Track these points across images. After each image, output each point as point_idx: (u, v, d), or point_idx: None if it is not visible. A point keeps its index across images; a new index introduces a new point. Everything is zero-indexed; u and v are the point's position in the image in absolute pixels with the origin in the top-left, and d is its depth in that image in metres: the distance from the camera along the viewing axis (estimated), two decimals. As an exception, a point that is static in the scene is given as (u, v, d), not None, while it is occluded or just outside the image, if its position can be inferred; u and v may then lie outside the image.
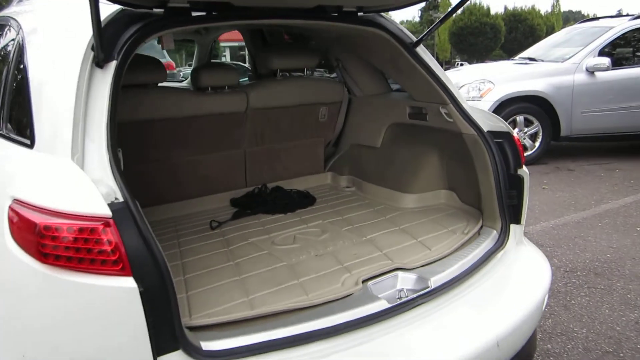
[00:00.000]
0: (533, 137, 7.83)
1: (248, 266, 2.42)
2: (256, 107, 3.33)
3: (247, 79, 5.81)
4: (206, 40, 5.52)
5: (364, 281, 2.18)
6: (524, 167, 2.68)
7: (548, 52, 8.74)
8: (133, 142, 2.97)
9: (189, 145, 3.19)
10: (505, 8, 52.38)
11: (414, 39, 2.80)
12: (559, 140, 7.94)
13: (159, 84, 3.07)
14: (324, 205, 3.30)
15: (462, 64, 32.89)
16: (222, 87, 3.24)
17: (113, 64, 1.89)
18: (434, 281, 2.18)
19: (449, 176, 3.16)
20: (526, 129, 7.76)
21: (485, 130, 2.66)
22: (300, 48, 3.54)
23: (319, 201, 3.38)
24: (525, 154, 7.67)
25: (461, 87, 8.06)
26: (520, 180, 2.60)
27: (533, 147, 7.83)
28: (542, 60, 8.42)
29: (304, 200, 3.30)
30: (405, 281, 2.25)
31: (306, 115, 3.60)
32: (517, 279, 2.45)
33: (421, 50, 2.78)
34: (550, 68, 7.96)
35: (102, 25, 1.99)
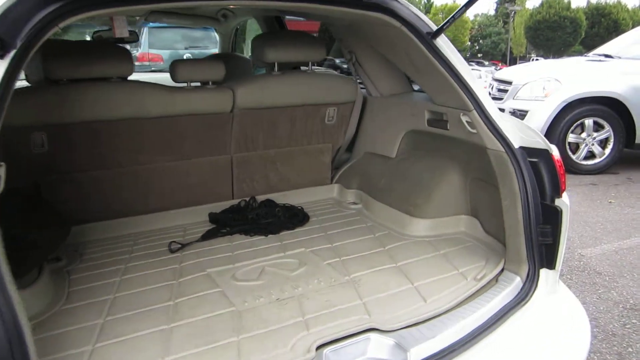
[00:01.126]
0: (603, 143, 6.92)
1: (187, 309, 1.93)
2: (245, 106, 2.83)
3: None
4: (227, 29, 5.07)
5: (321, 346, 1.64)
6: (564, 197, 2.06)
7: (627, 48, 7.69)
8: (92, 144, 2.56)
9: (162, 149, 2.73)
10: (588, 2, 49.17)
11: (434, 28, 2.20)
12: (634, 148, 6.98)
13: (128, 78, 2.62)
14: (316, 227, 2.76)
15: (537, 59, 31.06)
16: (205, 82, 2.77)
17: (11, 54, 1.44)
18: (416, 352, 1.62)
19: (472, 199, 2.56)
20: (595, 134, 6.85)
21: (517, 146, 2.06)
22: (303, 38, 3.01)
23: (313, 221, 2.84)
24: (593, 162, 6.86)
25: (524, 85, 7.25)
26: (557, 213, 2.02)
27: (602, 155, 6.91)
28: (620, 57, 7.42)
29: (292, 219, 2.77)
30: (378, 348, 1.69)
31: (310, 117, 3.06)
32: (542, 347, 1.84)
33: (442, 42, 2.18)
34: (629, 66, 6.98)
35: (10, 3, 1.56)
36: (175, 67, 2.65)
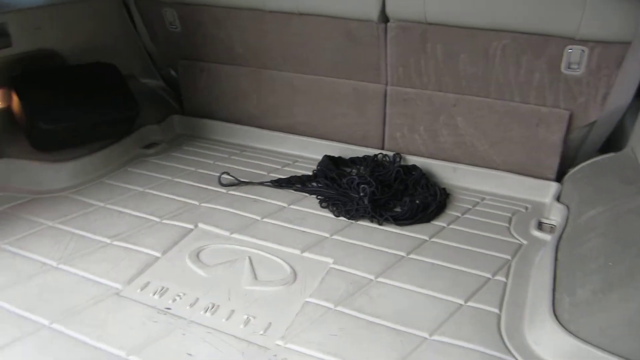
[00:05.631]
0: None
1: (84, 261, 1.49)
2: (401, 17, 1.79)
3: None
4: None
5: None
6: None
7: None
8: (218, 32, 2.19)
9: (290, 55, 2.08)
10: None
11: None
12: None
13: None
14: (412, 237, 1.61)
15: None
16: None
17: None
18: None
19: None
20: None
21: None
22: None
23: (429, 228, 1.68)
24: None
25: None
26: None
27: None
28: None
29: (409, 210, 1.70)
30: None
31: (525, 54, 1.71)
32: None
33: None
34: None
35: None
36: None
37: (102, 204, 1.81)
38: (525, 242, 1.62)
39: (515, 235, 1.66)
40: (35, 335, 1.24)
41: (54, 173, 1.93)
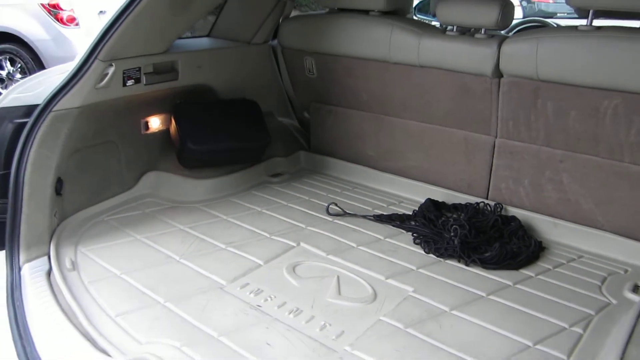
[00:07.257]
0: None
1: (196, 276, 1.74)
2: (515, 73, 1.88)
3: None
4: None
5: None
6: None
7: None
8: (347, 80, 2.44)
9: (408, 104, 2.24)
10: None
11: None
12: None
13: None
14: (494, 281, 1.65)
15: None
16: (477, 29, 2.00)
17: None
18: None
19: None
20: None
21: None
22: None
23: (516, 276, 1.69)
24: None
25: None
26: None
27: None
28: None
29: (500, 253, 1.75)
30: None
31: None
32: None
33: None
34: None
35: None
36: (439, 4, 2.01)
37: (224, 217, 2.09)
38: (614, 301, 1.58)
39: (606, 293, 1.62)
40: (151, 308, 1.51)
41: (192, 188, 2.28)
